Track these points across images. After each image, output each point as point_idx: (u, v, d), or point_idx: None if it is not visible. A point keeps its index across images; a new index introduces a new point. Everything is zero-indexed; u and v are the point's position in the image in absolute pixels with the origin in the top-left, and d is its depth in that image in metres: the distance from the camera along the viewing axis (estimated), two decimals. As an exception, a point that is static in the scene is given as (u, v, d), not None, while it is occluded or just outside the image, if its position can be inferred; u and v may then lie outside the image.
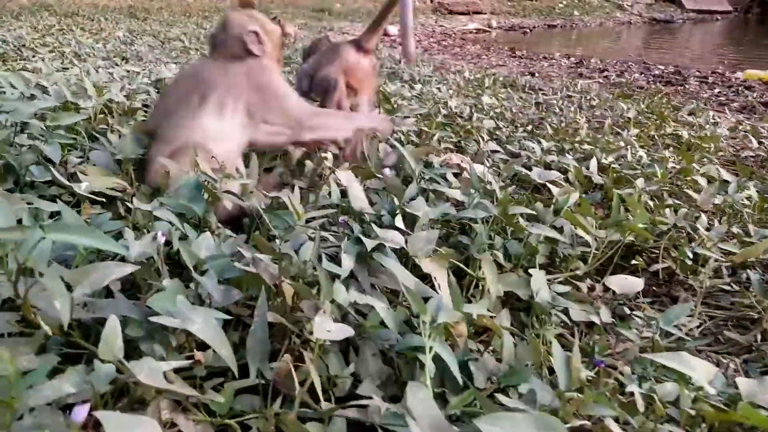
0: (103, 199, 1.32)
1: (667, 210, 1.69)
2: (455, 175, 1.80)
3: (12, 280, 0.74)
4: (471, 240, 1.30)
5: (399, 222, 1.23)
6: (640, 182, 1.87)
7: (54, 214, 1.24)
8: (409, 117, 2.63)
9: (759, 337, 1.24)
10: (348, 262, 1.06)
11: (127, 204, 1.31)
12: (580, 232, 1.44)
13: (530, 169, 1.83)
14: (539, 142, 2.37)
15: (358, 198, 1.31)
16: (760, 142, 3.09)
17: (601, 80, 5.89)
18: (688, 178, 2.10)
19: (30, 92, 2.08)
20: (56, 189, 1.47)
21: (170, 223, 1.13)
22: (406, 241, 1.16)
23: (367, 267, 1.14)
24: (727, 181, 2.10)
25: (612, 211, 1.42)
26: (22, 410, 0.64)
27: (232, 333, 0.98)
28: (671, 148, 2.81)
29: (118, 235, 1.20)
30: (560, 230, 1.47)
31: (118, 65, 3.94)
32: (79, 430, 0.64)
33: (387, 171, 1.61)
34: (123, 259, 0.96)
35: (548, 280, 1.23)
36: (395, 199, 1.36)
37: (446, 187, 1.62)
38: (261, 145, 1.66)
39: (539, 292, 1.10)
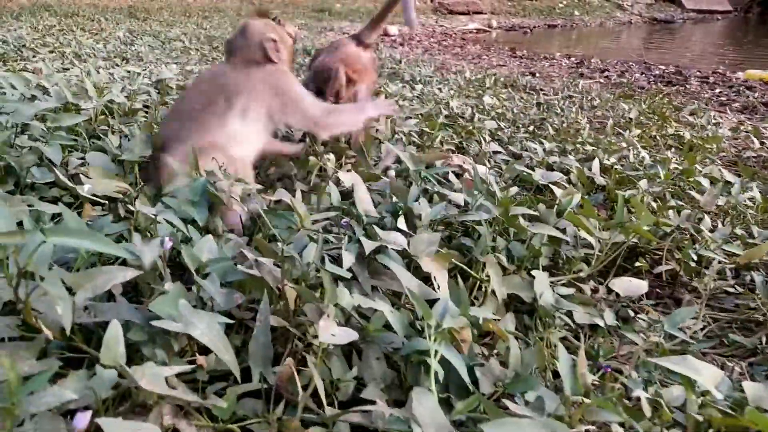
0: (105, 201, 1.32)
1: (671, 211, 1.68)
2: (456, 176, 1.79)
3: (12, 284, 0.73)
4: (474, 242, 1.29)
5: (401, 224, 1.22)
6: (643, 183, 1.86)
7: (55, 216, 1.23)
8: (410, 118, 2.62)
9: (764, 339, 1.23)
10: (348, 260, 1.05)
11: (129, 206, 1.30)
12: (583, 233, 1.43)
13: (533, 170, 1.82)
14: (541, 143, 2.37)
15: (364, 200, 1.31)
16: (762, 143, 3.08)
17: (602, 80, 5.88)
18: (691, 179, 2.09)
19: (31, 93, 2.08)
20: (57, 191, 1.46)
21: (172, 224, 1.12)
22: (408, 243, 1.15)
23: (369, 269, 1.14)
24: (729, 182, 2.09)
25: (616, 213, 1.41)
26: (23, 417, 0.63)
27: (234, 336, 0.97)
28: (673, 149, 2.80)
29: (120, 238, 1.20)
30: (563, 232, 1.46)
31: (118, 66, 3.94)
32: (80, 437, 0.63)
33: (391, 172, 1.60)
34: (124, 263, 0.95)
35: (551, 282, 1.22)
36: (397, 201, 1.36)
37: (449, 188, 1.62)
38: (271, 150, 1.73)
39: (543, 294, 1.10)
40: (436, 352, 0.80)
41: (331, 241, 1.14)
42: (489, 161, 2.12)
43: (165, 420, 0.72)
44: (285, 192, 1.34)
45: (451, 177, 1.74)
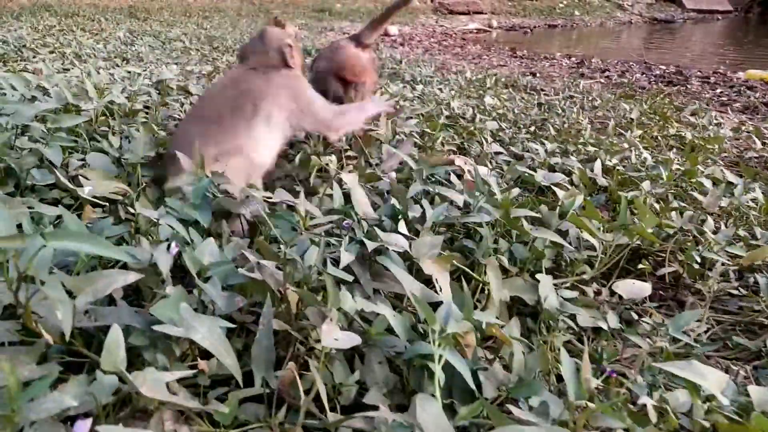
0: (105, 204, 1.31)
1: (673, 213, 1.68)
2: (458, 177, 1.79)
3: (13, 288, 0.72)
4: (476, 244, 1.29)
5: (402, 226, 1.22)
6: (646, 185, 1.85)
7: (55, 219, 1.23)
8: (411, 118, 2.61)
9: (768, 342, 1.22)
10: (346, 259, 1.04)
11: (129, 209, 1.29)
12: (585, 235, 1.42)
13: (534, 171, 1.82)
14: (543, 144, 2.36)
15: (361, 202, 1.30)
16: (763, 143, 3.08)
17: (602, 80, 5.87)
18: (693, 180, 2.08)
19: (31, 94, 2.07)
20: (57, 192, 1.46)
21: (172, 227, 1.11)
22: (410, 246, 1.15)
23: (371, 271, 1.13)
24: (732, 183, 2.08)
25: (620, 215, 1.40)
26: (23, 423, 0.62)
27: (236, 340, 0.97)
28: (675, 150, 2.80)
29: (120, 240, 1.20)
30: (565, 234, 1.45)
31: (118, 66, 3.93)
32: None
33: (392, 174, 1.59)
34: (125, 266, 0.94)
35: (555, 285, 1.22)
36: (398, 203, 1.35)
37: (451, 190, 1.61)
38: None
39: (547, 298, 1.09)
40: (440, 357, 0.79)
41: (333, 244, 1.14)
42: (490, 162, 2.11)
43: (166, 426, 0.72)
44: (285, 193, 1.34)
45: (453, 178, 1.73)
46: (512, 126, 2.83)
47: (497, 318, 1.14)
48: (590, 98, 4.13)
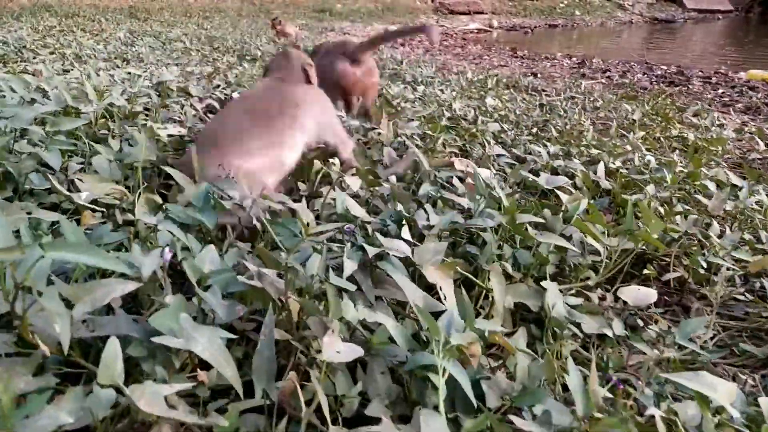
0: (103, 209, 1.29)
1: (678, 217, 1.66)
2: (460, 180, 1.77)
3: (9, 299, 0.71)
4: (479, 250, 1.27)
5: (405, 232, 1.20)
6: (650, 188, 1.84)
7: (54, 224, 1.21)
8: (412, 120, 2.60)
9: (775, 349, 1.21)
10: (350, 268, 1.02)
11: (128, 214, 1.27)
12: (590, 240, 1.41)
13: (537, 175, 1.80)
14: (545, 146, 2.34)
15: (354, 208, 1.29)
16: (767, 144, 3.06)
17: (604, 81, 5.86)
18: (697, 183, 2.07)
19: (30, 96, 2.05)
20: (56, 196, 1.44)
21: (172, 233, 1.10)
22: (412, 252, 1.13)
23: (372, 278, 1.11)
24: (736, 186, 2.07)
25: (626, 220, 1.38)
26: (19, 440, 0.61)
27: (236, 348, 0.95)
28: (678, 151, 2.78)
29: (120, 246, 1.18)
30: (569, 238, 1.44)
31: (119, 67, 3.92)
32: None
33: (392, 178, 1.58)
34: (124, 274, 0.93)
35: (560, 290, 1.20)
36: (401, 208, 1.34)
37: (453, 194, 1.60)
38: None
39: (555, 306, 1.07)
40: (444, 369, 0.78)
41: (335, 250, 1.12)
42: (493, 164, 2.10)
43: (165, 439, 0.70)
44: (287, 197, 1.32)
45: (455, 181, 1.72)
46: (514, 127, 2.81)
47: (501, 326, 1.12)
48: (592, 99, 4.11)
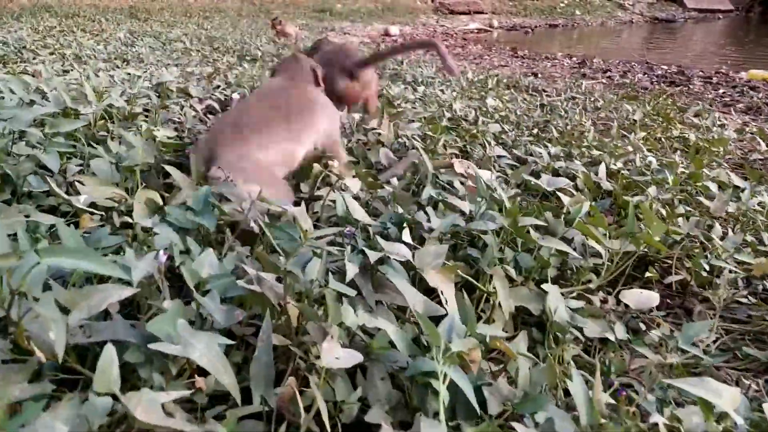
0: (102, 213, 1.28)
1: (680, 219, 1.65)
2: (461, 182, 1.76)
3: (5, 305, 0.70)
4: (481, 253, 1.26)
5: (406, 235, 1.19)
6: (652, 190, 1.83)
7: (52, 227, 1.20)
8: (413, 121, 2.59)
9: (779, 352, 1.20)
10: (351, 272, 1.02)
11: (126, 217, 1.26)
12: (591, 243, 1.40)
13: (538, 177, 1.79)
14: (546, 147, 2.33)
15: (356, 211, 1.28)
16: (768, 145, 3.05)
17: (604, 81, 5.85)
18: (699, 184, 2.05)
19: (29, 98, 2.04)
20: (55, 199, 1.43)
21: (173, 236, 1.09)
22: (413, 255, 1.12)
23: (373, 282, 1.10)
24: (738, 187, 2.06)
25: (628, 222, 1.37)
26: (13, 449, 0.60)
27: (235, 353, 0.94)
28: (679, 152, 2.77)
29: (119, 249, 1.17)
30: (570, 241, 1.43)
31: (119, 67, 3.91)
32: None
33: (393, 180, 1.57)
34: (122, 278, 0.92)
35: (561, 294, 1.19)
36: (402, 210, 1.33)
37: (454, 196, 1.59)
38: None
39: (557, 310, 1.06)
40: (445, 375, 0.77)
41: (334, 254, 1.11)
42: (494, 166, 2.09)
43: (163, 447, 0.69)
44: (287, 202, 1.31)
45: (456, 184, 1.71)
46: (515, 128, 2.80)
47: (503, 330, 1.12)
48: (592, 99, 4.10)
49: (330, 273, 1.02)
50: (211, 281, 0.93)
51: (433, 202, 1.57)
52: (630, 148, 2.51)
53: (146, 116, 2.28)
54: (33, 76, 2.89)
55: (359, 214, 1.29)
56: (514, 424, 0.78)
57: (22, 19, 7.76)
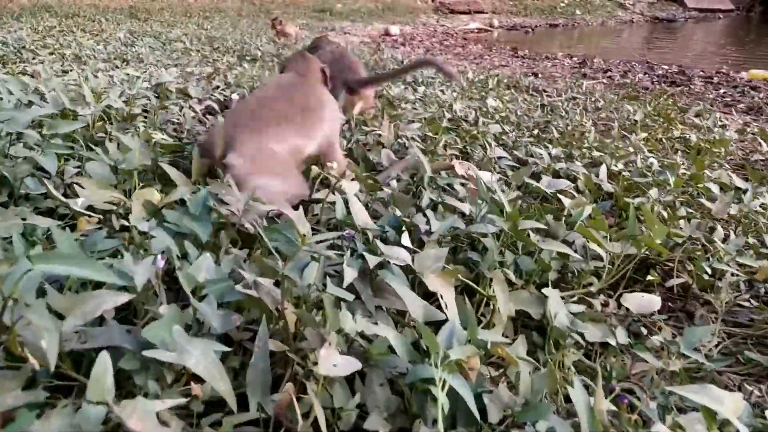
0: (100, 216, 1.27)
1: (681, 221, 1.64)
2: (461, 184, 1.75)
3: (-3, 312, 0.69)
4: (481, 256, 1.25)
5: (405, 239, 1.18)
6: (653, 192, 1.81)
7: (49, 229, 1.19)
8: (413, 122, 2.58)
9: (781, 357, 1.19)
10: (350, 277, 1.01)
11: (123, 222, 1.25)
12: (592, 245, 1.38)
13: (539, 178, 1.78)
14: (546, 148, 2.32)
15: (359, 215, 1.27)
16: (770, 146, 3.04)
17: (605, 81, 5.83)
18: (700, 185, 2.04)
19: (27, 98, 2.04)
20: (52, 201, 1.42)
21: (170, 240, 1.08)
22: (413, 259, 1.11)
23: (372, 286, 1.09)
24: (739, 188, 2.05)
25: (629, 225, 1.36)
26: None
27: (232, 359, 0.93)
28: (680, 153, 2.76)
29: (116, 253, 1.16)
30: (571, 244, 1.42)
31: (118, 68, 3.90)
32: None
33: (393, 182, 1.56)
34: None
35: (562, 297, 1.18)
36: (400, 213, 1.32)
37: (454, 198, 1.58)
38: None
39: (557, 315, 1.05)
40: (444, 383, 0.76)
41: (332, 257, 1.10)
42: (494, 167, 2.08)
43: (158, 456, 0.68)
44: (287, 205, 1.30)
45: (456, 186, 1.70)
46: (515, 129, 2.79)
47: (503, 334, 1.10)
48: (593, 99, 4.09)
49: (328, 277, 1.01)
50: (207, 286, 0.92)
51: (433, 204, 1.56)
52: (631, 149, 2.50)
53: (145, 117, 2.27)
54: (32, 76, 2.88)
55: (360, 216, 1.27)
56: (514, 431, 0.77)
57: (22, 19, 7.75)
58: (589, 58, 7.75)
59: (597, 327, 1.14)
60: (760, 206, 1.90)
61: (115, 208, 1.32)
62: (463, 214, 1.51)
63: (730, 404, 0.77)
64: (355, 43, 8.35)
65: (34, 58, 4.15)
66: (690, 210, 1.86)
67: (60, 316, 0.78)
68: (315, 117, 1.75)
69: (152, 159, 1.61)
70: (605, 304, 1.32)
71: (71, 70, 3.36)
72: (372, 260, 1.05)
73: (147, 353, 0.72)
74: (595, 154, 2.35)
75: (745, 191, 1.95)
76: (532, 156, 2.26)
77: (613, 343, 1.11)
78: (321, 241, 1.01)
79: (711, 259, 1.47)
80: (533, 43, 11.20)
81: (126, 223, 1.23)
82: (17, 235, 1.02)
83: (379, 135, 2.28)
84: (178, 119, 2.31)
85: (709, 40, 13.40)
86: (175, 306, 0.86)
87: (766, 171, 2.65)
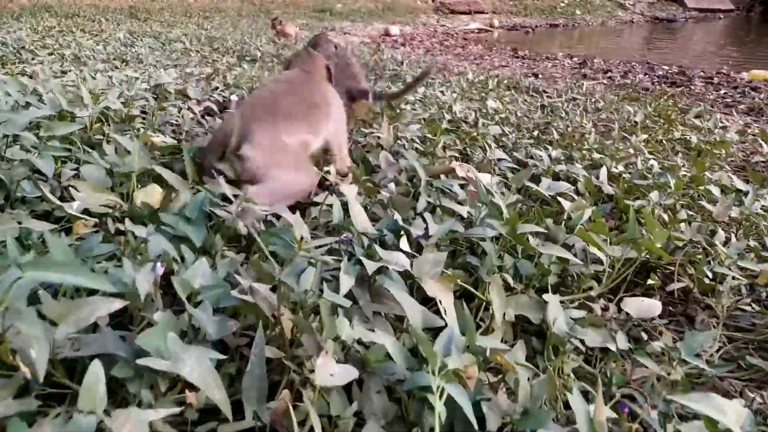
0: (96, 219, 1.26)
1: (682, 224, 1.63)
2: (461, 186, 1.74)
3: (-12, 320, 0.68)
4: (480, 260, 1.24)
5: (404, 243, 1.17)
6: (654, 195, 1.80)
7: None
8: (412, 123, 2.57)
9: (783, 363, 1.18)
10: (346, 285, 0.99)
11: (119, 226, 1.24)
12: (592, 249, 1.37)
13: (539, 181, 1.77)
14: (546, 149, 2.31)
15: (360, 218, 1.26)
16: (770, 147, 3.02)
17: (605, 81, 5.82)
18: (701, 187, 2.03)
19: (25, 100, 2.02)
20: (48, 204, 1.41)
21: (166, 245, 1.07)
22: (411, 264, 1.10)
23: (370, 292, 1.08)
24: (740, 191, 2.04)
25: (629, 228, 1.35)
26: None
27: (228, 365, 0.92)
28: (680, 154, 2.75)
29: (112, 257, 1.15)
30: (571, 247, 1.41)
31: (117, 68, 3.89)
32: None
33: (391, 185, 1.55)
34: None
35: (561, 302, 1.17)
36: (399, 216, 1.30)
37: (453, 201, 1.56)
38: None
39: (556, 320, 1.04)
40: (441, 391, 0.75)
41: (330, 263, 1.09)
42: (494, 169, 2.06)
43: (151, 466, 0.68)
44: (284, 207, 1.29)
45: (456, 188, 1.69)
46: (515, 130, 2.78)
47: (502, 339, 1.09)
48: (593, 100, 4.08)
49: (326, 282, 1.00)
50: (203, 292, 0.91)
51: (431, 207, 1.55)
52: (631, 151, 2.49)
53: (143, 119, 2.26)
54: (31, 77, 2.87)
55: (359, 219, 1.26)
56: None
57: (22, 19, 7.74)
58: (590, 58, 7.75)
59: (597, 332, 1.13)
60: (761, 209, 1.89)
61: (111, 211, 1.31)
62: (461, 217, 1.49)
63: (733, 414, 0.76)
64: (355, 43, 8.34)
65: (33, 59, 4.14)
66: (691, 213, 1.85)
67: (53, 323, 0.77)
68: (320, 113, 1.77)
69: (150, 161, 1.60)
70: (605, 309, 1.31)
71: (70, 71, 3.35)
72: (370, 266, 1.04)
73: (141, 361, 0.71)
74: (596, 155, 2.34)
75: (746, 193, 1.94)
76: (532, 158, 2.25)
77: (613, 348, 1.10)
78: (319, 246, 1.00)
79: (712, 262, 1.46)
80: (533, 43, 11.19)
81: (122, 227, 1.22)
82: (11, 239, 1.00)
83: (379, 137, 2.27)
84: (176, 120, 2.30)
85: (709, 40, 13.40)
86: (170, 312, 0.85)
87: (767, 173, 2.64)
